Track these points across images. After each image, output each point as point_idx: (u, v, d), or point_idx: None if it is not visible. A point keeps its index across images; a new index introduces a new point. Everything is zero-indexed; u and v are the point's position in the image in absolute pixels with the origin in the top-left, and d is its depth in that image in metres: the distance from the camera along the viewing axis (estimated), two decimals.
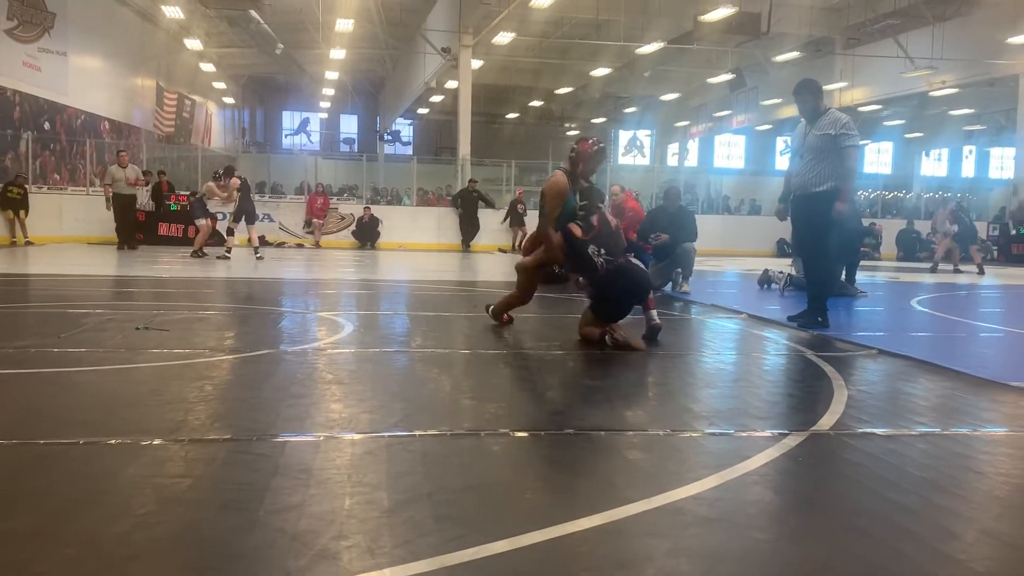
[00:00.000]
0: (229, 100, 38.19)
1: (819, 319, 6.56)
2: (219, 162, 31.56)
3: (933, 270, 16.51)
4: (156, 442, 3.01)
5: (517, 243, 20.96)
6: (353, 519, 2.35)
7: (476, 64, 25.24)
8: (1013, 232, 22.44)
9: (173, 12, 22.60)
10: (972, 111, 35.58)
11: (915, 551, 2.25)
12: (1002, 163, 43.39)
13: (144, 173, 19.82)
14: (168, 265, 12.56)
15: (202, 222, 14.72)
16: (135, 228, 17.21)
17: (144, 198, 19.10)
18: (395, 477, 2.72)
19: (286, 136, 46.87)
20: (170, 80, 28.65)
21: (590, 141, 6.29)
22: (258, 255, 14.58)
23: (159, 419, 3.37)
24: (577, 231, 5.78)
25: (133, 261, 13.65)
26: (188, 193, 18.70)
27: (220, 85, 34.83)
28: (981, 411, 3.98)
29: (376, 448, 3.05)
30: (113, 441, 3.02)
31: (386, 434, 3.22)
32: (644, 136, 46.96)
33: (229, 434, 3.18)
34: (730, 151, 45.79)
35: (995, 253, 20.96)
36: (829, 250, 6.65)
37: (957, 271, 16.48)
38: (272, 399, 3.82)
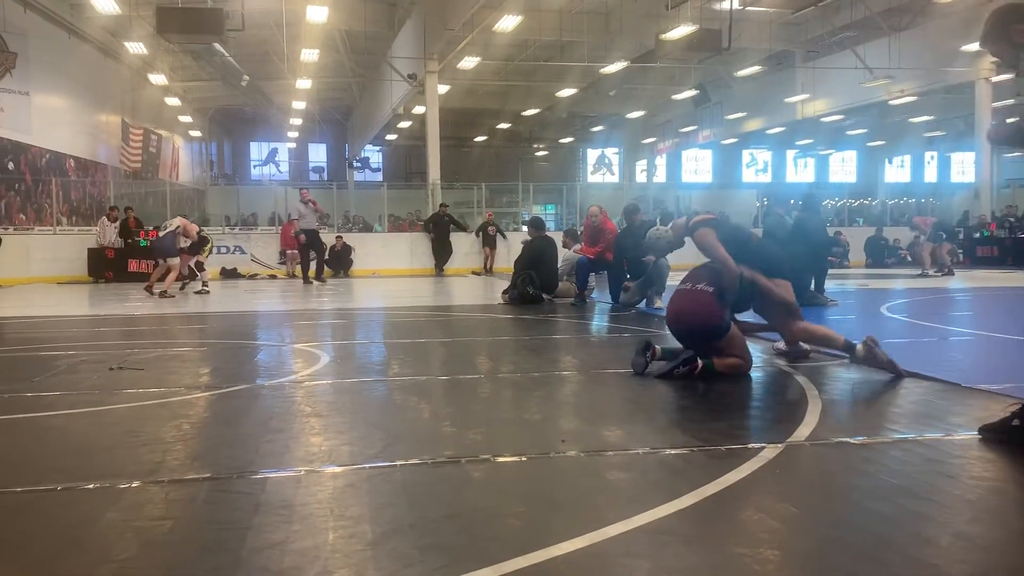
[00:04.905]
0: (196, 133, 38.03)
1: None
2: (187, 196, 31.49)
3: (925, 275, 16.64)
4: (135, 484, 2.99)
5: (489, 265, 21.05)
6: (337, 553, 2.35)
7: (443, 89, 25.37)
8: (976, 235, 22.86)
9: (136, 48, 22.55)
10: (932, 118, 36.34)
11: (892, 558, 2.30)
12: (963, 167, 44.27)
13: (111, 209, 19.69)
14: (140, 302, 12.45)
15: (175, 260, 14.20)
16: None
17: (112, 235, 18.95)
18: (377, 509, 2.72)
19: (255, 167, 46.70)
20: (135, 115, 28.49)
21: None
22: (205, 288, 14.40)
23: (137, 461, 3.35)
24: None
25: (104, 299, 13.51)
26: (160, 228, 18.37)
27: (186, 118, 34.69)
28: (952, 416, 4.05)
29: (357, 480, 3.05)
30: (91, 486, 2.99)
31: (367, 466, 3.22)
32: (612, 154, 47.36)
33: (208, 473, 3.16)
34: (697, 166, 46.31)
35: (961, 256, 21.31)
36: None
37: (950, 272, 16.82)
38: (251, 435, 3.80)
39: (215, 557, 2.34)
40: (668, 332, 5.57)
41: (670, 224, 5.92)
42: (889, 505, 2.72)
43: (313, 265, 17.04)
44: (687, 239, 5.76)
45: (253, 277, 19.69)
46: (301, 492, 2.92)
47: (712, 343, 5.10)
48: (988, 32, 3.69)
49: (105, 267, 18.70)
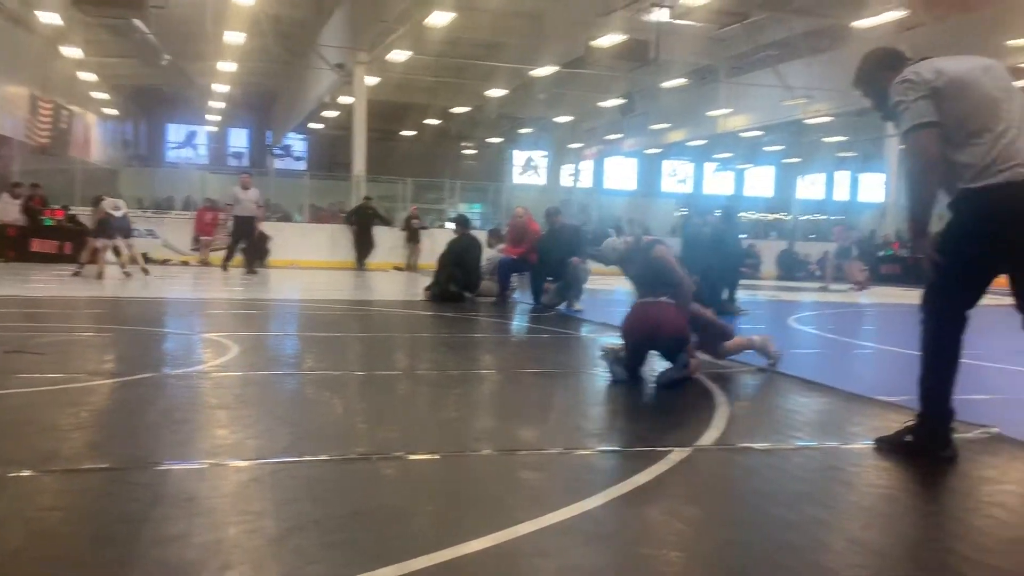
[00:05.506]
0: (111, 111, 36.59)
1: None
2: (99, 176, 30.24)
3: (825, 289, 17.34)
4: (25, 473, 2.85)
5: (412, 262, 20.89)
6: (238, 548, 2.29)
7: (371, 81, 25.06)
8: (881, 254, 23.83)
9: (49, 18, 21.54)
10: (845, 139, 37.75)
11: (791, 562, 2.36)
12: (871, 187, 46.07)
13: (14, 185, 18.76)
14: (43, 283, 11.90)
15: (131, 240, 14.04)
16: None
17: (15, 212, 18.07)
18: (282, 504, 2.66)
19: (172, 149, 45.23)
20: (45, 88, 27.19)
21: None
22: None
23: (30, 449, 3.19)
24: None
25: (3, 279, 12.87)
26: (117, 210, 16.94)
27: (101, 95, 33.32)
28: (850, 425, 4.21)
29: (262, 475, 2.98)
30: None
31: (273, 460, 3.15)
32: (540, 157, 47.62)
33: (106, 463, 3.04)
34: (622, 173, 46.93)
35: (867, 273, 22.18)
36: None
37: (863, 288, 17.55)
38: (154, 425, 3.67)
39: (109, 550, 2.25)
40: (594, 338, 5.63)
41: (622, 239, 6.14)
42: (790, 510, 2.80)
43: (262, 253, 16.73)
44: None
45: (165, 263, 19.07)
46: (204, 485, 2.83)
47: (676, 351, 5.20)
48: (858, 75, 3.82)
49: (6, 246, 17.78)
